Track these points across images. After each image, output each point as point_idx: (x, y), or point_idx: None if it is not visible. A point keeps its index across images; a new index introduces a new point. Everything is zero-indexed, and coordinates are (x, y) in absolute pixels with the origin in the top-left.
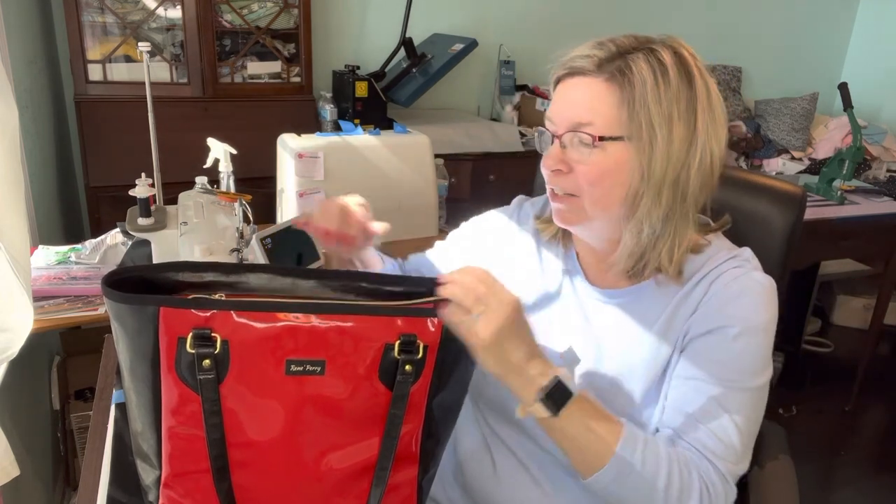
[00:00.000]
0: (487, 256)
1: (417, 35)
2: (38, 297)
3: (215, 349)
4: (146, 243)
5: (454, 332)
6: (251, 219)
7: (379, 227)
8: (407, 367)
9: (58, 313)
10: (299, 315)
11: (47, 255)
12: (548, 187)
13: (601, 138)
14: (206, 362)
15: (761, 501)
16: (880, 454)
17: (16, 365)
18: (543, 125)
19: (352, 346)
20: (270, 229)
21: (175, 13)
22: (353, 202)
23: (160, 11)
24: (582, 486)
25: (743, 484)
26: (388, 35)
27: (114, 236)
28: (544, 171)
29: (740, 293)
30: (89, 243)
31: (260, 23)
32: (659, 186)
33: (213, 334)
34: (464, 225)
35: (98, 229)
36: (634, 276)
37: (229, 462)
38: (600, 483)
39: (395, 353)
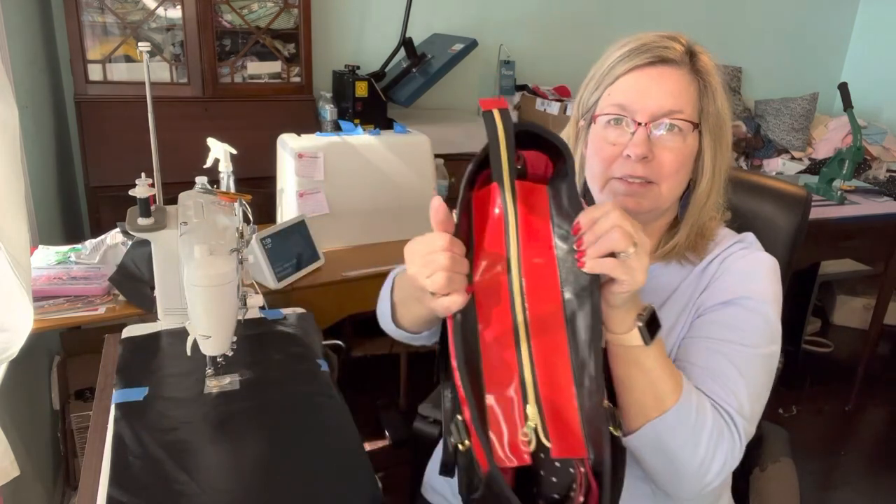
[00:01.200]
0: None
1: (417, 35)
2: (38, 297)
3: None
4: (146, 243)
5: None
6: (251, 219)
7: None
8: None
9: (58, 313)
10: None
11: (47, 255)
12: (612, 173)
13: (696, 125)
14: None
15: (762, 503)
16: (880, 454)
17: (16, 365)
18: (612, 117)
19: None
20: (271, 229)
21: (175, 13)
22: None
23: (160, 11)
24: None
25: (744, 485)
26: (388, 35)
27: (114, 236)
28: (626, 157)
29: (750, 270)
30: (89, 243)
31: (260, 23)
32: (721, 173)
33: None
34: None
35: (98, 229)
36: (664, 254)
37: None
38: (663, 425)
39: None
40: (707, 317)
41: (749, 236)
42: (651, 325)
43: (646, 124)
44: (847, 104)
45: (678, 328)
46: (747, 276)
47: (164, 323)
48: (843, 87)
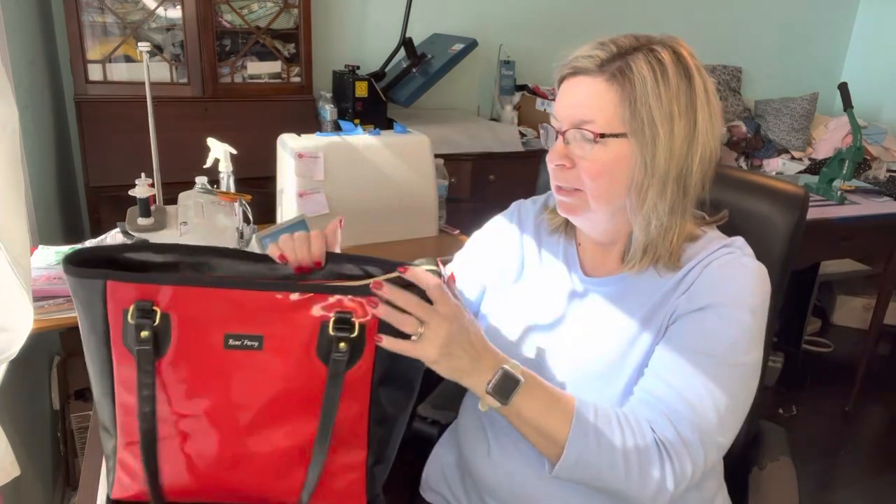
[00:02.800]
0: (496, 261)
1: (417, 35)
2: (38, 297)
3: (154, 321)
4: (146, 243)
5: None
6: (251, 219)
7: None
8: (341, 345)
9: (58, 313)
10: (239, 291)
11: (47, 255)
12: (552, 181)
13: (602, 135)
14: (144, 333)
15: (761, 502)
16: (880, 454)
17: (16, 365)
18: (544, 124)
19: (288, 322)
20: (270, 229)
21: (175, 13)
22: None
23: (160, 11)
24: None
25: (743, 485)
26: (388, 35)
27: (114, 236)
28: (549, 165)
29: (731, 275)
30: (89, 243)
31: (260, 23)
32: (664, 181)
33: (154, 307)
34: (475, 234)
35: (98, 229)
36: (632, 264)
37: (169, 434)
38: (566, 466)
39: (330, 331)
40: (679, 325)
41: (738, 241)
42: (503, 387)
43: (563, 133)
44: (847, 104)
45: (649, 333)
46: (725, 281)
47: None
48: (843, 87)
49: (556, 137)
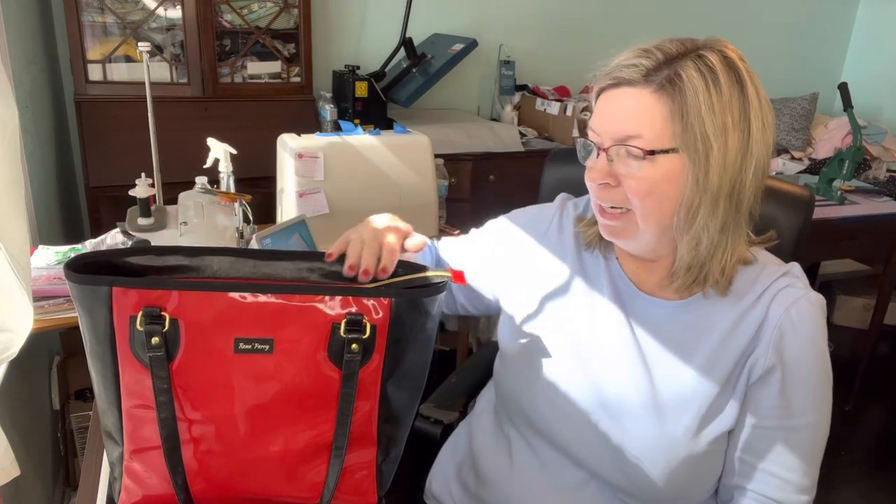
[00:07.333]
0: (523, 256)
1: (417, 35)
2: (38, 297)
3: (164, 327)
4: (146, 243)
5: None
6: (251, 219)
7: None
8: (353, 346)
9: (58, 313)
10: (247, 294)
11: (47, 255)
12: (594, 201)
13: (651, 152)
14: (155, 340)
15: None
16: (880, 454)
17: (16, 365)
18: (580, 138)
19: (299, 325)
20: (270, 229)
21: (175, 13)
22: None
23: (160, 11)
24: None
25: None
26: (388, 35)
27: (114, 236)
28: (590, 184)
29: (800, 324)
30: (89, 243)
31: (260, 23)
32: (716, 198)
33: (162, 312)
34: (503, 220)
35: (98, 229)
36: (683, 290)
37: (183, 439)
38: None
39: (342, 332)
40: (755, 394)
41: (795, 268)
42: None
43: (606, 149)
44: (847, 104)
45: (719, 371)
46: (796, 336)
47: None
48: (843, 87)
49: (598, 154)
